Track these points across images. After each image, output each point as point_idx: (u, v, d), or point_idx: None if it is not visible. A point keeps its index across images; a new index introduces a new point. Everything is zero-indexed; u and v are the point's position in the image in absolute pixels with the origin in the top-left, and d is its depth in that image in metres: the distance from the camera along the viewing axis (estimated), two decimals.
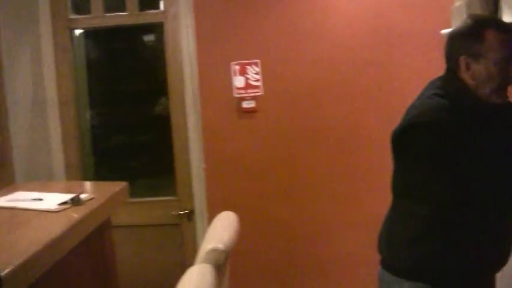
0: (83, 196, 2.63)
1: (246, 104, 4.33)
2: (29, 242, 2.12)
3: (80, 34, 4.95)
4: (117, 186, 2.98)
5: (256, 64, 4.31)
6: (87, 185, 3.08)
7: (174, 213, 4.68)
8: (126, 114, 5.16)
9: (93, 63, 5.08)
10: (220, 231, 2.39)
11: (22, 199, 2.72)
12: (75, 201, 2.59)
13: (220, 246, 2.19)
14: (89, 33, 5.01)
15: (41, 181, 4.42)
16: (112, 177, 4.90)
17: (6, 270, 1.80)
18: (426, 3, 4.20)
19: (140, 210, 4.68)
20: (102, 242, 2.95)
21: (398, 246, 2.48)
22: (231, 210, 2.70)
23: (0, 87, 4.22)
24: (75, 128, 4.82)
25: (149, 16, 4.77)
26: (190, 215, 4.69)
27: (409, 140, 2.33)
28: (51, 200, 2.65)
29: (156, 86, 4.98)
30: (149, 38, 5.19)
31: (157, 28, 4.88)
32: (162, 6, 4.72)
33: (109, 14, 4.77)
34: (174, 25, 4.59)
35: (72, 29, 4.81)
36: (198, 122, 4.49)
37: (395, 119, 2.45)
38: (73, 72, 4.81)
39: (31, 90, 4.65)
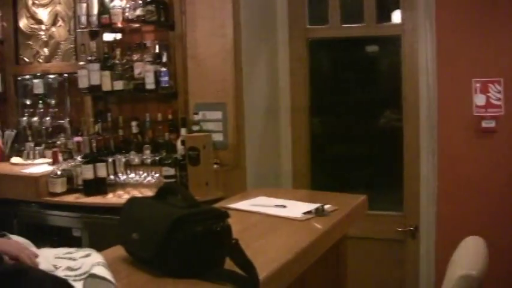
0: (327, 207, 2.61)
1: (485, 124, 4.15)
2: (280, 249, 2.13)
3: None
4: (358, 199, 2.93)
5: (498, 82, 4.12)
6: (327, 195, 3.05)
7: (399, 228, 4.58)
8: (348, 125, 5.14)
9: (317, 71, 5.08)
10: (471, 257, 2.27)
11: (266, 205, 2.74)
12: (320, 212, 2.57)
13: (474, 273, 2.08)
14: (312, 42, 5.01)
15: (283, 188, 4.55)
16: (330, 186, 4.90)
17: (262, 276, 1.80)
18: None
19: (363, 222, 4.62)
20: (338, 254, 2.92)
21: None
22: (462, 233, 2.57)
23: (239, 92, 4.34)
24: (305, 136, 4.87)
25: (385, 29, 4.72)
26: (414, 232, 4.56)
27: None
28: (295, 208, 2.65)
29: (381, 99, 4.92)
30: (373, 49, 5.12)
31: (382, 40, 4.84)
32: (395, 19, 4.65)
33: (346, 25, 4.77)
34: (412, 38, 4.50)
35: (308, 39, 4.86)
36: (432, 137, 4.37)
37: None
38: (307, 81, 4.85)
39: (266, 96, 4.75)
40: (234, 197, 3.08)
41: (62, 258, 1.82)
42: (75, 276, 1.67)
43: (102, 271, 1.68)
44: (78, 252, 1.85)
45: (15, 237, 1.86)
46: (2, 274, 1.27)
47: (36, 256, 1.72)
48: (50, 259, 1.79)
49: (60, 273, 1.63)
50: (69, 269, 1.73)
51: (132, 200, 2.14)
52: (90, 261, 1.75)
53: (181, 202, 1.92)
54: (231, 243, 1.81)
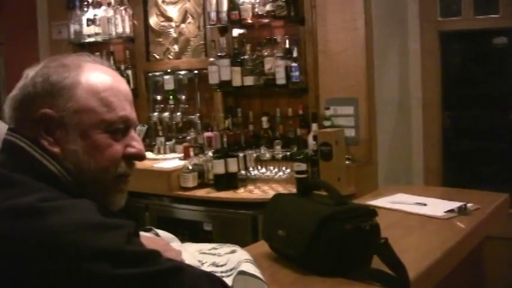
0: (469, 205, 2.54)
1: None
2: (427, 249, 2.08)
3: None
4: (499, 197, 2.82)
5: None
6: (465, 193, 2.96)
7: None
8: (479, 119, 4.96)
9: (448, 64, 4.92)
10: None
11: (406, 202, 2.69)
12: (462, 211, 2.50)
13: None
14: (443, 35, 4.85)
15: (415, 184, 4.44)
16: (462, 183, 4.74)
17: (412, 276, 1.76)
18: None
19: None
20: (480, 254, 2.83)
21: None
22: None
23: (371, 87, 4.29)
24: (436, 131, 4.76)
25: None
26: None
27: None
28: (436, 206, 2.58)
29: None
30: (505, 40, 4.92)
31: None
32: None
33: (479, 17, 4.61)
34: None
35: (440, 32, 4.73)
36: None
37: None
38: (438, 75, 4.73)
39: (397, 90, 4.68)
40: (370, 194, 3.05)
41: (206, 254, 1.83)
42: (221, 272, 1.68)
43: (251, 268, 1.67)
44: (222, 248, 1.86)
45: (161, 232, 1.88)
46: (162, 272, 1.29)
47: (181, 254, 1.73)
48: (194, 254, 1.81)
49: (206, 269, 1.63)
50: (215, 264, 1.74)
51: (277, 197, 2.14)
52: (236, 257, 1.75)
53: (328, 199, 1.90)
54: (379, 242, 1.78)
